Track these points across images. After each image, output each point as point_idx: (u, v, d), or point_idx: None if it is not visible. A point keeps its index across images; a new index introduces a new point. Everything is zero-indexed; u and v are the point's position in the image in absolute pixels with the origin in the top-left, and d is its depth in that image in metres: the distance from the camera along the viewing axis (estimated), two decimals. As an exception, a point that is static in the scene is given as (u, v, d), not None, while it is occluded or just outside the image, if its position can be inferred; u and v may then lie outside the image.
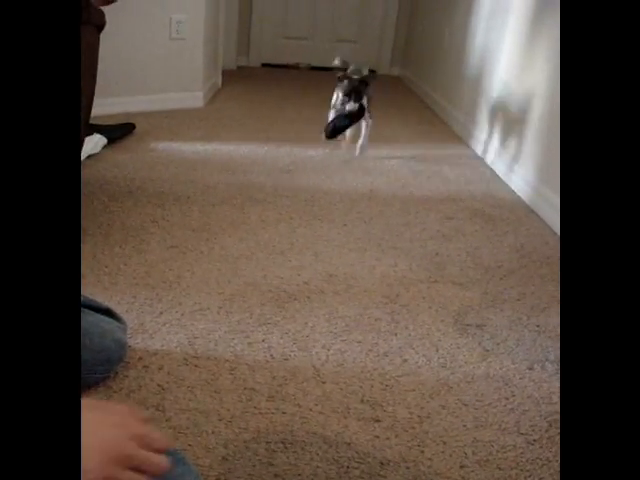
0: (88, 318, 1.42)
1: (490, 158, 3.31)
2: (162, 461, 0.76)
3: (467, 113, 3.75)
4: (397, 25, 5.53)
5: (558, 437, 1.40)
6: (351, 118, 3.03)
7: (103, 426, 0.71)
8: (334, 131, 3.03)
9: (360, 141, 3.21)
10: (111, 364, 1.46)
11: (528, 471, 1.31)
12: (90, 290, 1.77)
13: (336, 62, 3.35)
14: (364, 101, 3.05)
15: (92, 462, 0.69)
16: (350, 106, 2.97)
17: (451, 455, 1.34)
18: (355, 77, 3.04)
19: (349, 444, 1.34)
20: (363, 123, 3.16)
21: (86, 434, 0.67)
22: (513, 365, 1.65)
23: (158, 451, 0.76)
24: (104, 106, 3.20)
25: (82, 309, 1.42)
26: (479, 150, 3.47)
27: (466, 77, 3.83)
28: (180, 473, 0.97)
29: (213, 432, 1.34)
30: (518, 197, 2.85)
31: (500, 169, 3.15)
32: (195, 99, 3.94)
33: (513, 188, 2.94)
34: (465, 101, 3.82)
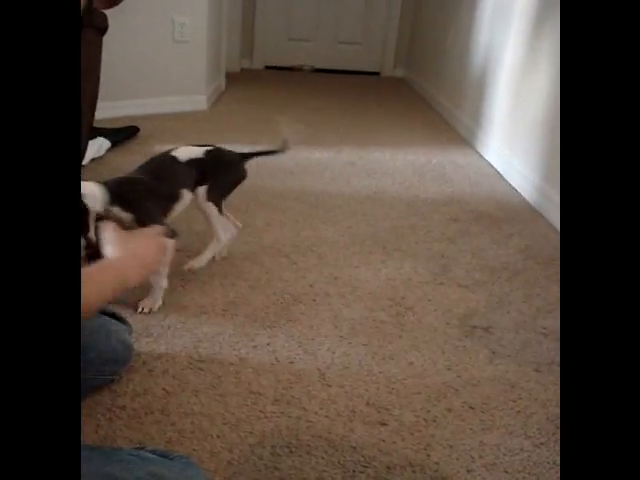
0: (93, 319, 1.42)
1: (495, 159, 3.30)
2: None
3: (471, 115, 3.74)
4: (400, 26, 5.53)
5: (565, 440, 1.39)
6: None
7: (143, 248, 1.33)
8: None
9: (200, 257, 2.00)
10: (118, 365, 1.45)
11: (535, 475, 1.30)
12: (94, 294, 1.76)
13: None
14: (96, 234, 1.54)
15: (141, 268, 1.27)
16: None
17: (458, 459, 1.33)
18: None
19: (355, 448, 1.33)
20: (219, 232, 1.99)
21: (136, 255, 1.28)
22: (519, 367, 1.64)
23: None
24: (108, 109, 3.20)
25: None
26: (483, 152, 3.46)
27: (470, 78, 3.82)
28: (190, 475, 0.99)
29: (218, 436, 1.33)
30: (523, 198, 2.84)
31: (505, 170, 3.14)
32: (198, 102, 3.94)
33: (518, 189, 2.93)
34: (469, 103, 3.81)
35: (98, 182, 1.65)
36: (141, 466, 0.96)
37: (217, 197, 1.93)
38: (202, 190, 1.91)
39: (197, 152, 1.92)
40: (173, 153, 1.88)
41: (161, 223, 1.73)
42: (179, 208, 1.86)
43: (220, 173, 1.96)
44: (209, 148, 1.95)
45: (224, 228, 1.99)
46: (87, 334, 1.36)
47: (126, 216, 1.66)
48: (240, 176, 2.01)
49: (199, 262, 1.97)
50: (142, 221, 1.68)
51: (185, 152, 1.90)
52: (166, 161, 1.89)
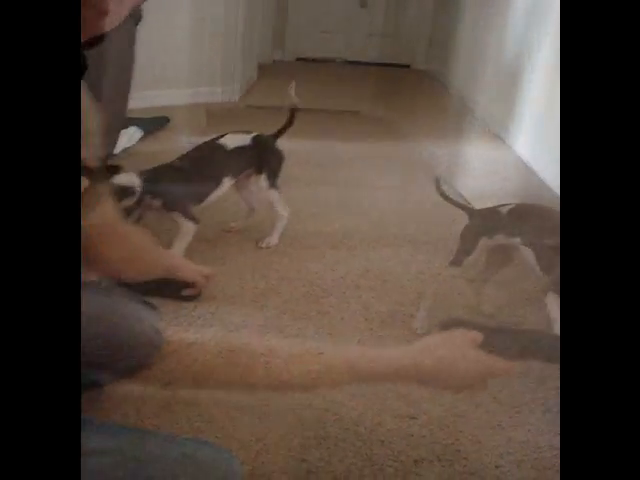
0: (123, 304, 1.43)
1: (526, 154, 3.27)
2: None
3: (502, 109, 3.71)
4: (433, 20, 5.49)
5: (596, 438, 1.38)
6: None
7: None
8: None
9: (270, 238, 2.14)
10: (148, 350, 1.46)
11: (565, 472, 1.29)
12: (125, 282, 1.78)
13: None
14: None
15: None
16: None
17: (486, 454, 1.32)
18: None
19: (383, 441, 1.33)
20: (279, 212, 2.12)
21: None
22: (549, 364, 1.62)
23: None
24: (139, 99, 3.21)
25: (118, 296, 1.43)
26: (515, 146, 3.43)
27: (502, 72, 3.78)
28: (223, 458, 1.01)
29: (247, 426, 1.33)
30: (554, 193, 2.81)
31: (537, 165, 3.11)
32: (230, 93, 3.95)
33: (549, 185, 2.90)
34: (501, 96, 3.77)
35: (135, 172, 1.78)
36: (175, 447, 0.98)
37: (275, 183, 2.04)
38: (263, 180, 2.00)
39: (244, 139, 1.99)
40: (220, 141, 1.96)
41: (189, 209, 1.81)
42: (217, 194, 1.94)
43: (270, 159, 2.04)
44: (254, 134, 2.02)
45: (283, 206, 2.09)
46: (118, 318, 1.37)
47: (155, 202, 1.77)
48: (283, 157, 2.09)
49: (273, 240, 2.12)
50: (170, 207, 1.82)
51: (232, 139, 1.97)
52: (210, 149, 1.96)
